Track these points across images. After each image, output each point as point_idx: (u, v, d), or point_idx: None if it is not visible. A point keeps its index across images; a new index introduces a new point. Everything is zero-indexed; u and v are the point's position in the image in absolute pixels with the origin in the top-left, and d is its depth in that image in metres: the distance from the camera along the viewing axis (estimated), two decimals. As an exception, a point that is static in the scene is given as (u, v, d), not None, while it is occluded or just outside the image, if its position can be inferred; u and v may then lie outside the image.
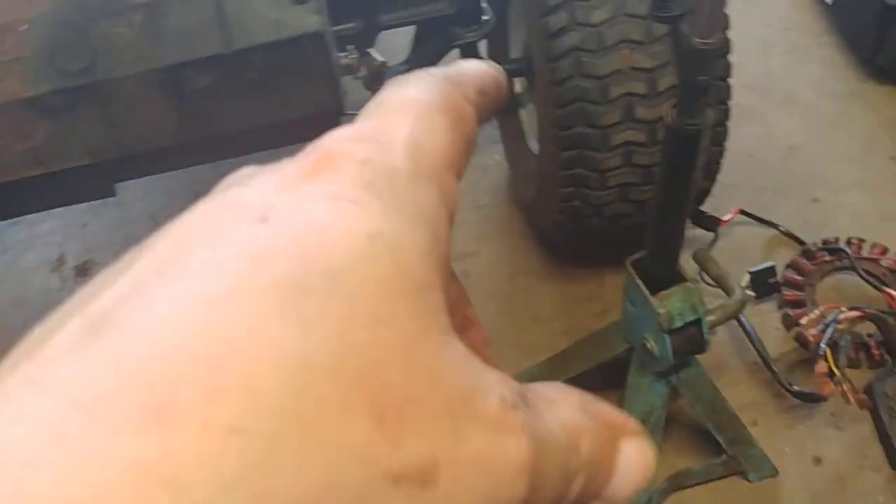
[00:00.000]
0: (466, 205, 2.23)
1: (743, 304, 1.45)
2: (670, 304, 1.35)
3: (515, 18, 2.11)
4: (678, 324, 1.36)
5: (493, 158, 2.33)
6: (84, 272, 2.21)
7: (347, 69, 1.56)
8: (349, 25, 1.67)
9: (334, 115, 1.37)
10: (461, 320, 0.38)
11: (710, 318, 1.41)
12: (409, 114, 0.29)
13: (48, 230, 2.25)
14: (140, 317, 0.22)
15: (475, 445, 0.24)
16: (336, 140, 0.28)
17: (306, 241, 0.24)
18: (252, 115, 1.34)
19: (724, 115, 1.61)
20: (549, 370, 1.77)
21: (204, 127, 1.33)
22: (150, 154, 1.38)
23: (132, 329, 0.22)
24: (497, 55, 2.10)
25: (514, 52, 2.14)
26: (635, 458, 0.30)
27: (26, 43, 1.24)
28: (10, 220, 2.36)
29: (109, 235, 2.28)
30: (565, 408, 0.29)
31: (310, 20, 1.26)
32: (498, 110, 0.35)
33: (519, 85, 2.19)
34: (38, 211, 1.60)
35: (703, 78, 1.00)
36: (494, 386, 0.26)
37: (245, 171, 0.28)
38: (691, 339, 1.39)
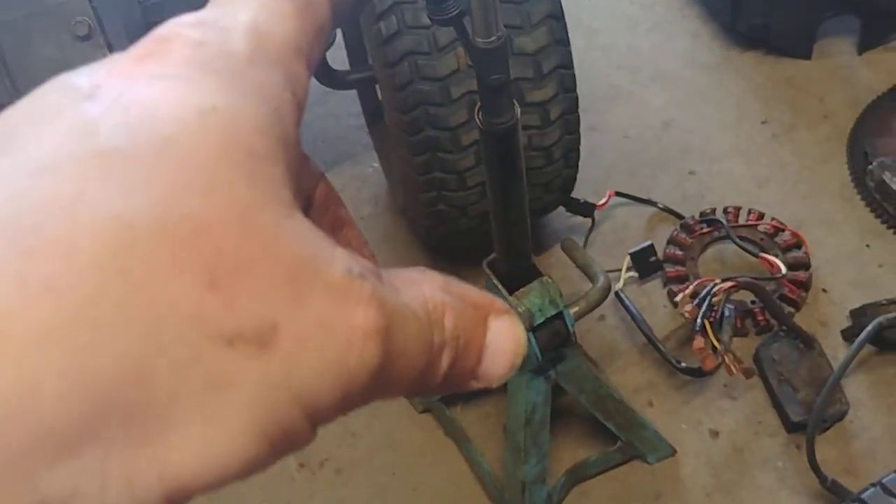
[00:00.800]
0: (349, 219, 2.18)
1: (606, 290, 1.43)
2: (528, 302, 1.33)
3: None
4: (539, 320, 1.33)
5: (371, 167, 2.28)
6: None
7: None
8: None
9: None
10: (333, 220, 0.39)
11: (574, 309, 1.39)
12: (253, 1, 0.29)
13: None
14: None
15: (318, 310, 0.24)
16: (172, 25, 0.27)
17: (133, 113, 0.24)
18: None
19: (573, 103, 1.59)
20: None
21: None
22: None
23: None
24: (356, 63, 2.06)
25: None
26: (505, 334, 0.31)
27: None
28: None
29: None
30: (427, 286, 0.29)
31: (97, 55, 1.19)
32: (356, 4, 0.35)
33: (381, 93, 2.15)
34: None
35: (496, 77, 0.97)
36: (341, 258, 0.26)
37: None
38: (557, 333, 1.37)
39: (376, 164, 2.28)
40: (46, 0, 1.22)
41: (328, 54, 1.81)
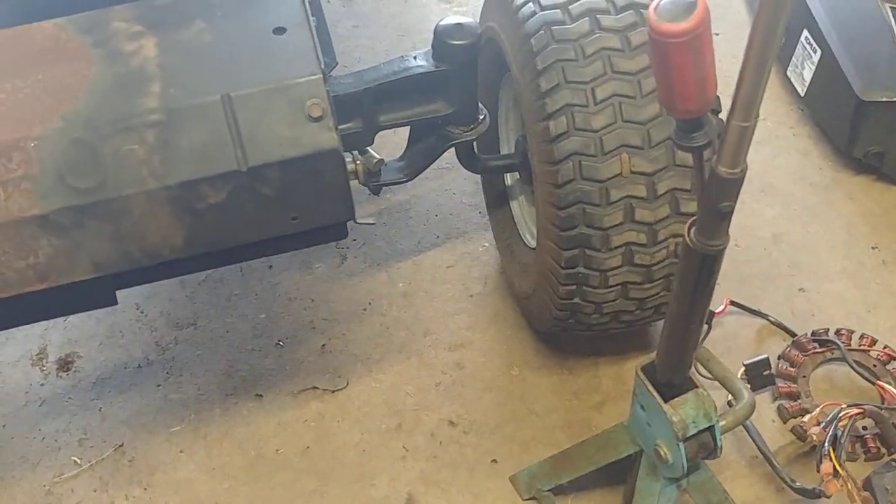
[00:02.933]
0: (458, 294, 2.23)
1: (752, 407, 1.46)
2: (684, 412, 1.35)
3: (505, 115, 2.14)
4: (692, 431, 1.35)
5: (482, 246, 2.33)
6: (66, 366, 2.14)
7: (352, 174, 1.56)
8: (350, 126, 1.68)
9: (345, 224, 1.37)
10: None
11: (722, 423, 1.42)
12: None
13: (28, 323, 2.19)
14: None
15: None
16: None
17: None
18: (263, 229, 1.33)
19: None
20: (553, 468, 1.75)
21: (214, 240, 1.31)
22: (157, 266, 1.36)
23: None
24: (488, 150, 2.13)
25: (505, 148, 2.17)
26: None
27: (35, 160, 1.21)
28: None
29: (93, 327, 2.22)
30: None
31: (325, 137, 1.26)
32: None
33: (510, 178, 2.22)
34: (37, 321, 1.55)
35: (727, 204, 1.02)
36: None
37: None
38: (704, 445, 1.39)
39: (487, 244, 2.33)
40: (285, 78, 1.29)
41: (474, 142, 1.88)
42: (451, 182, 2.49)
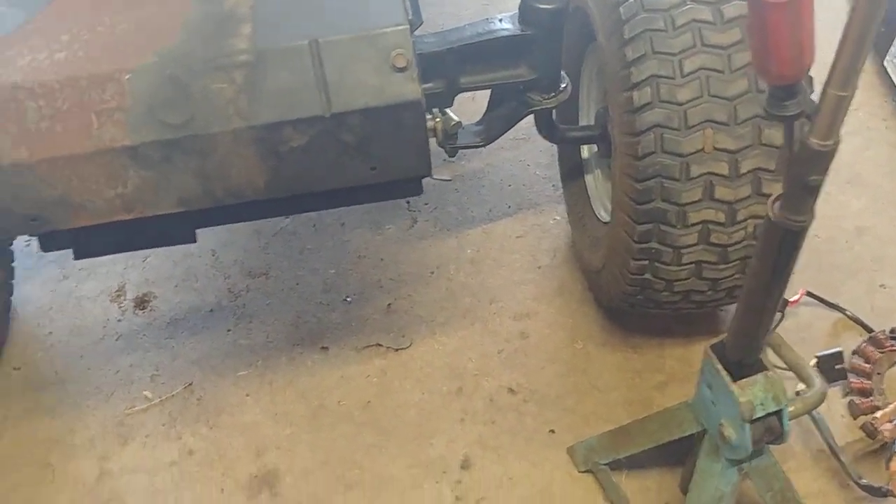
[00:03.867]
0: (526, 264, 2.22)
1: (824, 395, 1.42)
2: (752, 393, 1.33)
3: (587, 86, 2.12)
4: (759, 413, 1.33)
5: (553, 219, 2.32)
6: (143, 304, 2.22)
7: (430, 131, 1.56)
8: (431, 85, 1.68)
9: (420, 179, 1.37)
10: None
11: (791, 408, 1.38)
12: None
13: (109, 260, 2.27)
14: None
15: None
16: None
17: None
18: (342, 177, 1.34)
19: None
20: (612, 443, 1.73)
21: (293, 185, 1.33)
22: (237, 206, 1.39)
23: None
24: (566, 121, 2.10)
25: (584, 120, 2.15)
26: None
27: (129, 93, 1.25)
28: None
29: (170, 270, 2.29)
30: None
31: (408, 88, 1.26)
32: None
33: (586, 151, 2.19)
34: (117, 252, 1.61)
35: (815, 178, 0.99)
36: None
37: None
38: (771, 429, 1.36)
39: (558, 217, 2.31)
40: (373, 27, 1.30)
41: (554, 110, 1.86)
42: (526, 153, 2.48)
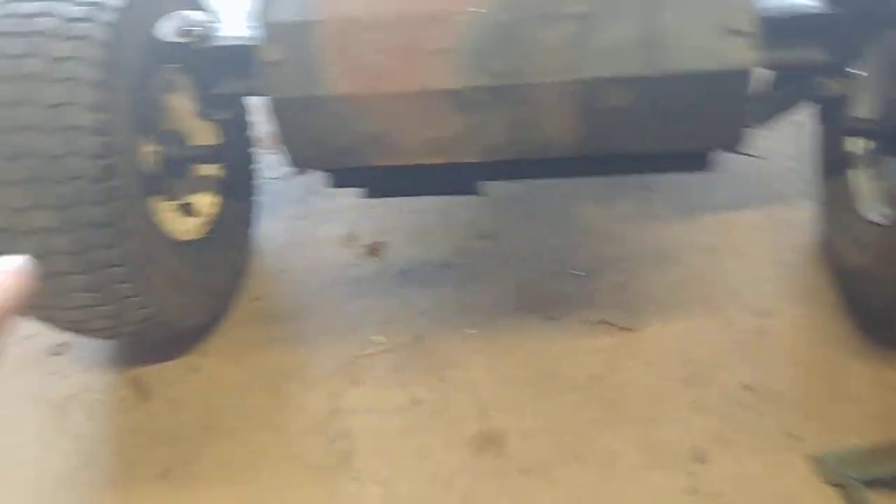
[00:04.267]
0: (769, 259, 2.12)
1: None
2: None
3: (872, 76, 1.97)
4: None
5: (800, 214, 2.20)
6: (375, 252, 2.27)
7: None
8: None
9: (709, 154, 1.31)
10: None
11: None
12: None
13: (346, 206, 2.34)
14: None
15: None
16: None
17: None
18: (654, 142, 1.30)
19: None
20: (871, 458, 1.62)
21: (604, 145, 1.30)
22: (529, 161, 1.38)
23: None
24: (833, 111, 1.97)
25: (861, 111, 2.00)
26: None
27: (457, 35, 1.25)
28: (313, 190, 2.48)
29: (402, 221, 2.34)
30: None
31: (746, 56, 1.20)
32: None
33: (852, 145, 2.05)
34: (405, 195, 1.63)
35: None
36: None
37: None
38: None
39: (808, 213, 2.19)
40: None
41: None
42: (774, 143, 2.36)
